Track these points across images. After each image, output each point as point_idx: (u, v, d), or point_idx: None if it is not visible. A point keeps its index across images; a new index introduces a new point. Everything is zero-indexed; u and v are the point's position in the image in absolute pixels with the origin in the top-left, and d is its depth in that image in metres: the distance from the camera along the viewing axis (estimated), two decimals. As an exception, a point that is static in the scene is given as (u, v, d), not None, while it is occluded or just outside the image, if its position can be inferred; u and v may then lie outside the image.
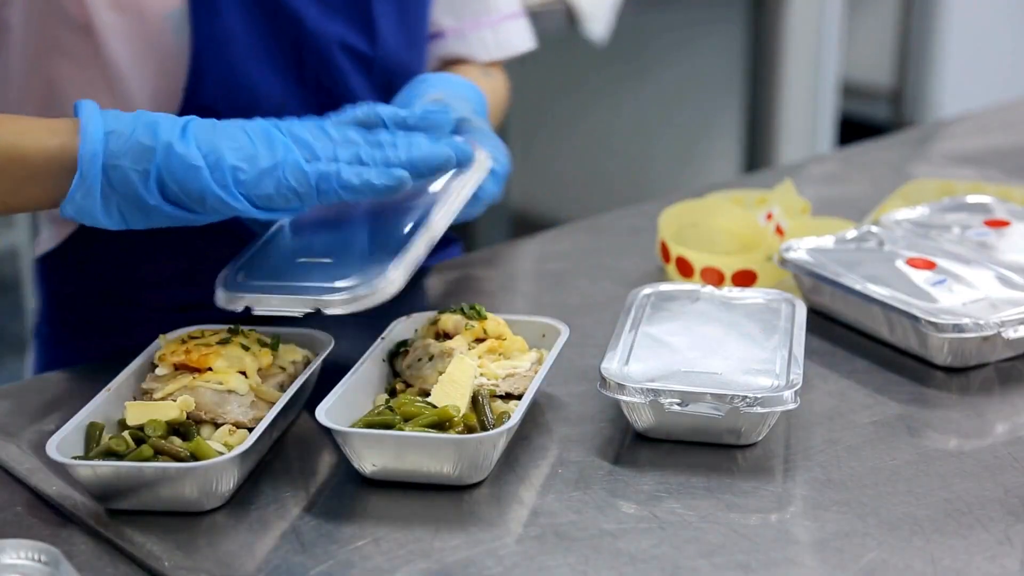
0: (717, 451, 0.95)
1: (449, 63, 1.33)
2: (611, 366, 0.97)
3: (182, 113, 1.09)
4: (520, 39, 1.37)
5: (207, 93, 1.09)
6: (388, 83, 1.19)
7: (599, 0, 2.66)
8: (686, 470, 0.93)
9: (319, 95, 1.14)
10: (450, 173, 1.05)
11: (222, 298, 1.00)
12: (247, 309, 0.99)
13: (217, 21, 1.07)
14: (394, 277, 0.97)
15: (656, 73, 3.42)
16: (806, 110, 3.20)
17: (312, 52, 1.12)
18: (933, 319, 1.06)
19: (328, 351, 1.01)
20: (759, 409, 0.92)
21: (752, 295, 1.10)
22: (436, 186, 1.07)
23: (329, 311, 0.96)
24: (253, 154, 0.94)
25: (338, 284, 0.97)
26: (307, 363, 1.02)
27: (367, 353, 1.01)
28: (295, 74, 1.12)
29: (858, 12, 3.56)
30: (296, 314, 0.98)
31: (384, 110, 1.00)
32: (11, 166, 0.94)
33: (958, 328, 1.06)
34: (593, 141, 3.62)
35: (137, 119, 0.94)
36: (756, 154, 3.21)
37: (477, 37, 1.32)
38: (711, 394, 0.93)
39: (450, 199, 1.05)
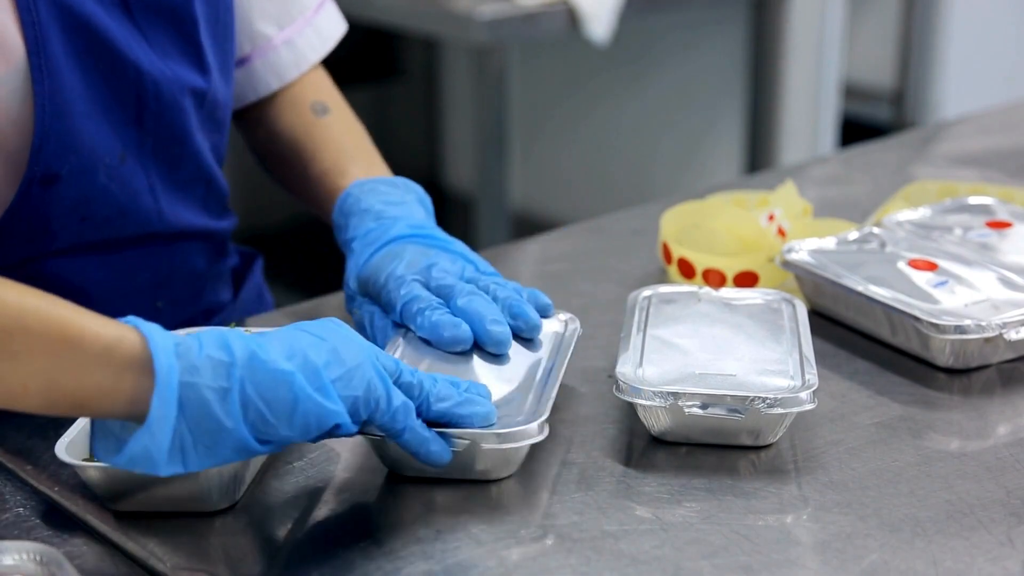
0: (719, 453, 0.95)
1: (285, 86, 1.24)
2: (626, 370, 0.97)
3: (26, 185, 1.00)
4: (335, 25, 1.28)
5: (50, 158, 1.00)
6: (212, 115, 1.14)
7: (601, 1, 2.66)
8: (688, 472, 0.93)
9: (158, 141, 1.08)
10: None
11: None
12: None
13: (58, 81, 0.98)
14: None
15: (658, 74, 3.42)
16: (808, 111, 3.20)
17: (154, 98, 1.05)
18: (935, 320, 1.06)
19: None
20: (779, 410, 0.93)
21: (751, 296, 1.10)
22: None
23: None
24: (336, 349, 0.84)
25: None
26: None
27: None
28: (135, 123, 1.06)
29: (860, 13, 3.55)
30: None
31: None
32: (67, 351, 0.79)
33: (960, 329, 1.06)
34: (594, 142, 3.62)
35: (199, 336, 0.81)
36: (758, 155, 3.21)
37: (304, 41, 1.24)
38: (731, 396, 0.93)
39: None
